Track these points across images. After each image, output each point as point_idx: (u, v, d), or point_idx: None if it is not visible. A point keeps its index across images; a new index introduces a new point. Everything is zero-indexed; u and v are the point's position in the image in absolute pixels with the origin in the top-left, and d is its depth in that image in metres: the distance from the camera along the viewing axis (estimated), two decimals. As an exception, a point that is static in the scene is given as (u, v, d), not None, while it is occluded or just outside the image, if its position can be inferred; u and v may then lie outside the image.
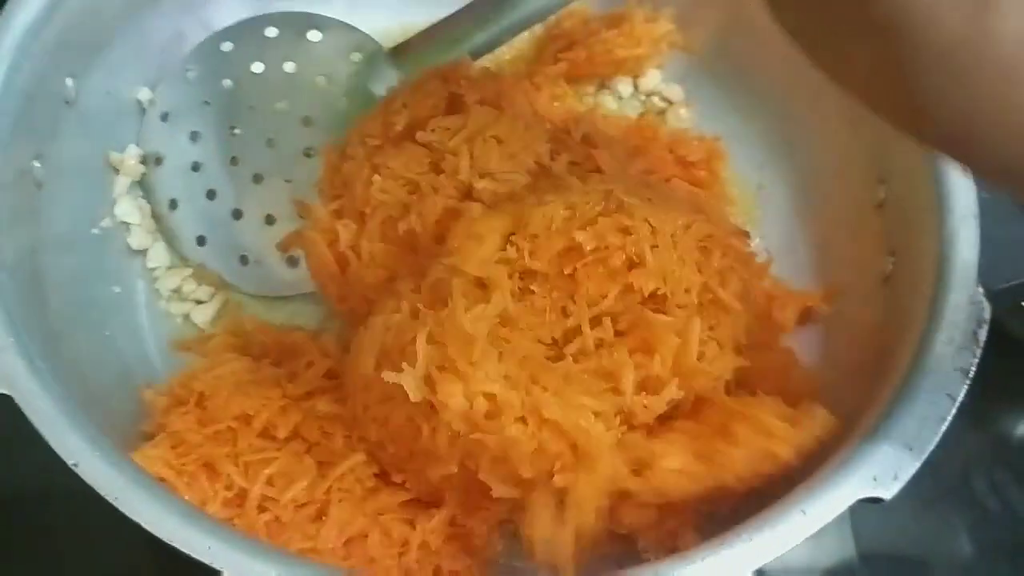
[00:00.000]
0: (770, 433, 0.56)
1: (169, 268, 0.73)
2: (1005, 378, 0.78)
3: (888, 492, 0.52)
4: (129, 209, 0.72)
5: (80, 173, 0.70)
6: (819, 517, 0.51)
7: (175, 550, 0.48)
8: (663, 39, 0.81)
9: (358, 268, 0.64)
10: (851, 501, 0.52)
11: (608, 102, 0.83)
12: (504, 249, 0.58)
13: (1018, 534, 0.76)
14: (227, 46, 0.76)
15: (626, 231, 0.58)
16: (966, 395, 0.56)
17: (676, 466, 0.56)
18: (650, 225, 0.58)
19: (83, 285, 0.67)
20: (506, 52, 0.82)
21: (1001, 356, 0.71)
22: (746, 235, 0.65)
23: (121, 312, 0.70)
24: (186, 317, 0.72)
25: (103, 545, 0.67)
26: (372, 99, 0.73)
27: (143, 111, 0.75)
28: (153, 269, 0.73)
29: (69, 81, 0.67)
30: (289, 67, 0.75)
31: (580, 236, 0.57)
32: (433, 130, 0.63)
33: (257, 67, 0.75)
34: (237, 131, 0.74)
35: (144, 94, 0.75)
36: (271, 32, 0.76)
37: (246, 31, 0.76)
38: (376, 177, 0.64)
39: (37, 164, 0.64)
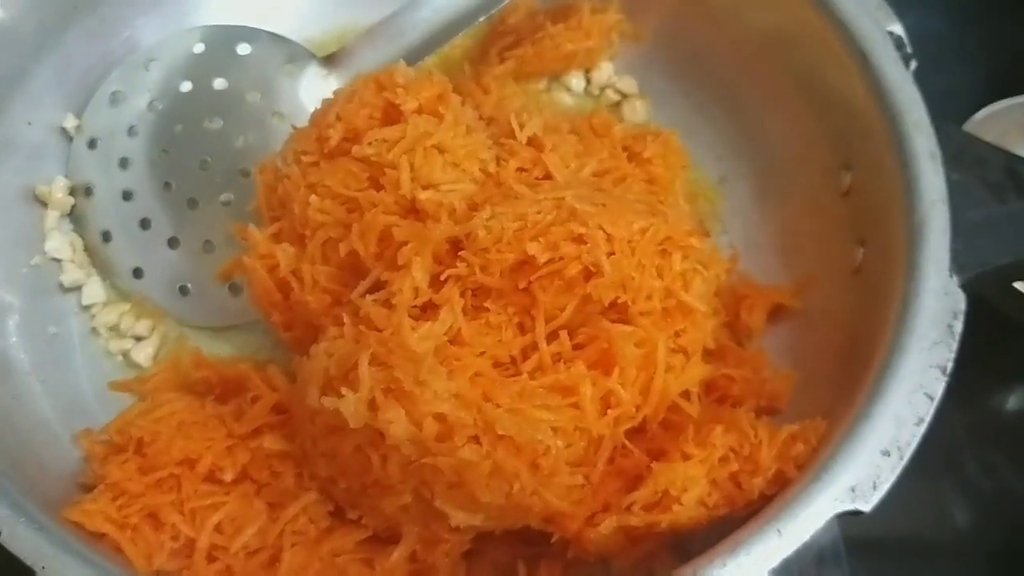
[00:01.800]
0: (786, 457, 0.54)
1: (106, 304, 0.69)
2: (994, 356, 0.76)
3: (867, 504, 0.50)
4: (60, 245, 0.68)
5: (6, 208, 0.67)
6: (795, 537, 0.49)
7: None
8: (612, 29, 0.78)
9: (301, 293, 0.61)
10: (828, 516, 0.49)
11: (561, 99, 0.80)
12: (454, 266, 0.56)
13: (1011, 513, 0.74)
14: (152, 66, 0.72)
15: (580, 240, 0.55)
16: (954, 374, 0.53)
17: (699, 497, 0.54)
18: (605, 232, 0.55)
19: (14, 327, 0.64)
20: (450, 52, 0.79)
21: (990, 335, 0.69)
22: (706, 234, 0.62)
23: (56, 354, 0.66)
24: (125, 355, 0.68)
25: None
26: (307, 113, 0.69)
27: (69, 139, 0.71)
28: (89, 306, 0.69)
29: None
30: (219, 84, 0.72)
31: (532, 248, 0.54)
32: (370, 143, 0.60)
33: (185, 86, 0.72)
34: (168, 154, 0.70)
35: (69, 121, 0.71)
36: (198, 48, 0.72)
37: (171, 48, 0.72)
38: (313, 197, 0.60)
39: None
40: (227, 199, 0.70)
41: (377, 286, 0.58)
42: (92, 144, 0.71)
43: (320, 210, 0.60)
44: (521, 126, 0.63)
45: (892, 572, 0.73)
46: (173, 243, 0.70)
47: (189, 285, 0.70)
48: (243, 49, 0.73)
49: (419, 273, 0.56)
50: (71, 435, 0.61)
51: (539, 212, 0.56)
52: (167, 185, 0.70)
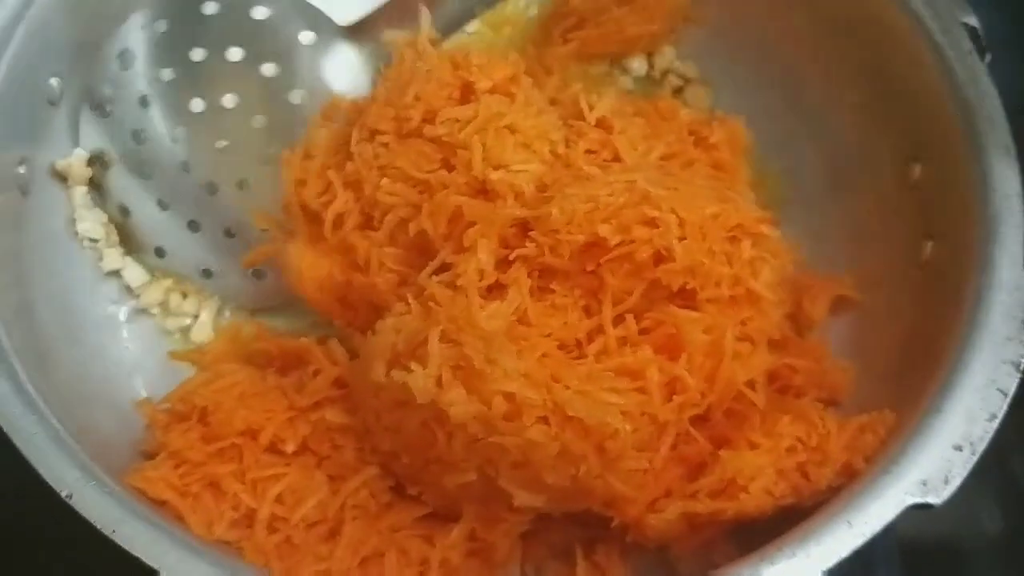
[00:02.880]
0: (854, 447, 0.54)
1: (149, 283, 0.68)
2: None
3: (939, 497, 0.49)
4: (92, 226, 0.66)
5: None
6: (866, 528, 0.48)
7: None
8: (677, 13, 0.77)
9: (368, 276, 0.60)
10: (900, 509, 0.49)
11: (622, 82, 0.79)
12: (522, 246, 0.55)
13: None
14: (161, 25, 0.67)
15: (653, 223, 0.54)
16: None
17: (766, 486, 0.54)
18: (678, 216, 0.54)
19: (72, 301, 0.64)
20: (513, 32, 0.78)
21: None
22: (775, 222, 0.61)
23: (114, 326, 0.66)
24: (184, 332, 0.68)
25: None
26: (329, 91, 0.67)
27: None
28: (133, 288, 0.68)
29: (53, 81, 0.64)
30: (234, 54, 0.67)
31: (603, 230, 0.54)
32: (443, 122, 0.60)
33: (197, 54, 0.67)
34: (186, 131, 0.67)
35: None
36: (210, 8, 0.67)
37: (181, 6, 0.68)
38: (385, 180, 0.60)
39: (22, 170, 0.60)
40: (246, 185, 0.67)
41: (444, 267, 0.58)
42: (104, 111, 0.67)
43: (390, 192, 0.60)
44: (591, 107, 0.63)
45: (939, 573, 0.72)
46: (193, 227, 0.68)
47: (212, 269, 0.68)
48: (259, 13, 0.68)
49: (484, 254, 0.56)
50: (132, 404, 0.61)
51: (610, 194, 0.55)
52: (184, 165, 0.67)
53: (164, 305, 0.68)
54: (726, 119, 0.71)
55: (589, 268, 0.55)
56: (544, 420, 0.51)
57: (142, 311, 0.68)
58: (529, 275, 0.56)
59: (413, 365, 0.52)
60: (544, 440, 0.51)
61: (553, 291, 0.56)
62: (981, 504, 0.73)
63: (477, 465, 0.54)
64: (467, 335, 0.52)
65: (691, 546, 0.57)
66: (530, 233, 0.56)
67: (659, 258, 0.55)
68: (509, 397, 0.51)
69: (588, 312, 0.56)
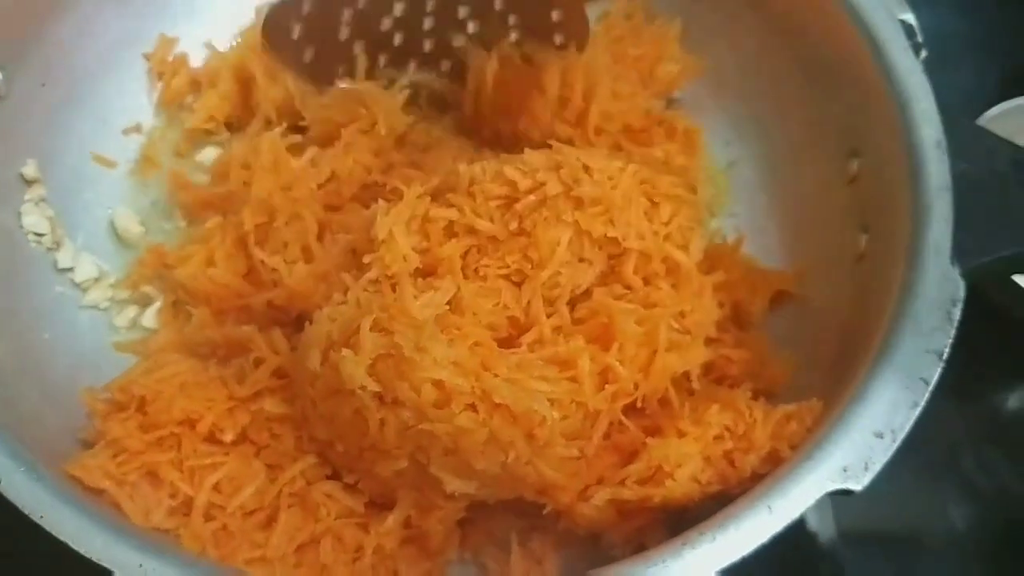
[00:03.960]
0: (780, 435, 0.55)
1: (98, 279, 0.69)
2: (994, 353, 0.76)
3: (858, 483, 0.50)
4: (37, 220, 0.67)
5: (12, 170, 0.67)
6: (785, 513, 0.49)
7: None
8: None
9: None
10: (819, 495, 0.49)
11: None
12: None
13: (1009, 511, 0.74)
14: None
15: (558, 166, 0.56)
16: (953, 370, 0.53)
17: (692, 473, 0.54)
18: (583, 164, 0.57)
19: (18, 288, 0.65)
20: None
21: (990, 330, 0.69)
22: (693, 189, 0.63)
23: (62, 314, 0.67)
24: (132, 321, 0.69)
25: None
26: None
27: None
28: (81, 284, 0.69)
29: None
30: None
31: (511, 172, 0.56)
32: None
33: None
34: None
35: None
36: None
37: None
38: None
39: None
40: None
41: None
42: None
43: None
44: None
45: (888, 569, 0.73)
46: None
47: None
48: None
49: (402, 238, 0.57)
50: (75, 393, 0.61)
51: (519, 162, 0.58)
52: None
53: (112, 299, 0.69)
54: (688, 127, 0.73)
55: (513, 227, 0.56)
56: (472, 407, 0.52)
57: (90, 305, 0.68)
58: (463, 256, 0.57)
59: (344, 350, 0.53)
60: (473, 427, 0.52)
61: (485, 269, 0.57)
62: (934, 501, 0.74)
63: (409, 452, 0.55)
64: (399, 323, 0.53)
65: (623, 533, 0.58)
66: (448, 195, 0.57)
67: (577, 203, 0.56)
68: (438, 384, 0.52)
69: (520, 288, 0.57)
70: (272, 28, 0.69)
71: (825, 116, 0.68)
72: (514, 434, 0.52)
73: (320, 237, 0.65)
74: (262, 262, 0.64)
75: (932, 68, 0.62)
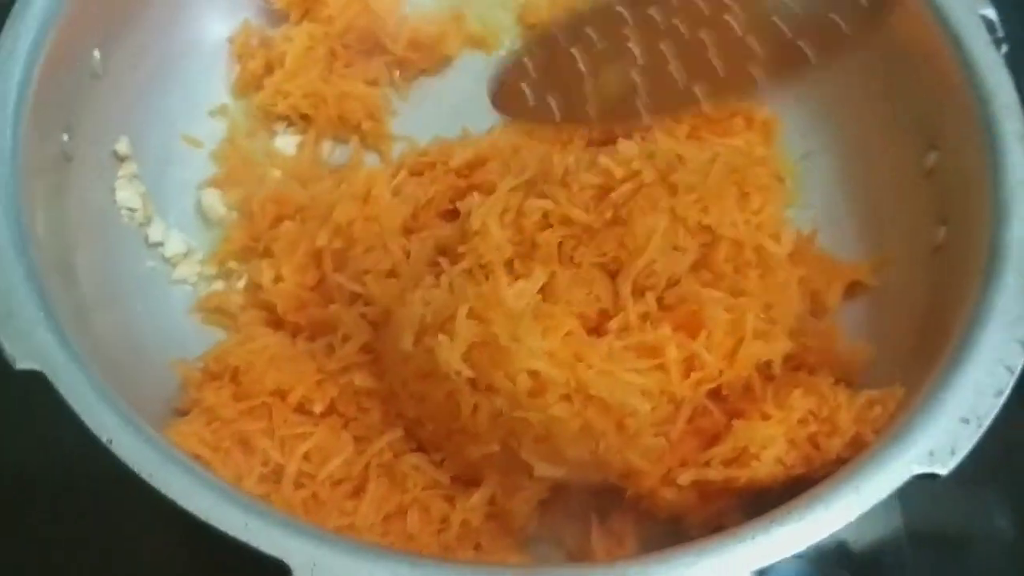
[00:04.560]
0: (864, 420, 0.55)
1: (185, 255, 0.71)
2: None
3: (945, 468, 0.50)
4: (129, 196, 0.69)
5: (106, 147, 0.69)
6: (872, 495, 0.49)
7: (208, 536, 0.47)
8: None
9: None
10: (906, 477, 0.50)
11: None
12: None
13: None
14: None
15: (651, 155, 0.58)
16: None
17: (777, 455, 0.55)
18: (677, 154, 0.58)
19: (114, 261, 0.66)
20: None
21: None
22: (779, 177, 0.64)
23: (154, 288, 0.69)
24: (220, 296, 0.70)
25: (133, 536, 0.66)
26: None
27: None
28: (170, 259, 0.71)
29: (96, 53, 0.66)
30: None
31: (606, 161, 0.57)
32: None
33: None
34: None
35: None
36: None
37: None
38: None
39: (65, 137, 0.63)
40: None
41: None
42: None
43: None
44: None
45: (944, 568, 0.73)
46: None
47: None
48: None
49: (496, 230, 0.58)
50: (167, 364, 0.63)
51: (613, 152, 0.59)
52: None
53: (200, 275, 0.71)
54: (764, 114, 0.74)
55: (608, 216, 0.57)
56: (567, 398, 0.53)
57: (180, 277, 0.70)
58: (560, 246, 0.58)
59: (441, 336, 0.54)
60: (567, 417, 0.53)
61: (581, 257, 0.58)
62: (989, 502, 0.74)
63: (500, 438, 0.56)
64: (495, 312, 0.54)
65: (702, 516, 0.59)
66: (543, 187, 0.58)
67: (672, 190, 0.57)
68: (534, 375, 0.53)
69: (615, 278, 0.58)
70: (502, 98, 0.65)
71: (903, 109, 0.69)
72: (606, 425, 0.53)
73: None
74: (340, 285, 0.65)
75: (1014, 63, 0.62)
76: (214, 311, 0.69)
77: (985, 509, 0.73)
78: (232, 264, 0.71)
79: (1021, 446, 0.75)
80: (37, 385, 0.51)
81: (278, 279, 0.66)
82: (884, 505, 0.67)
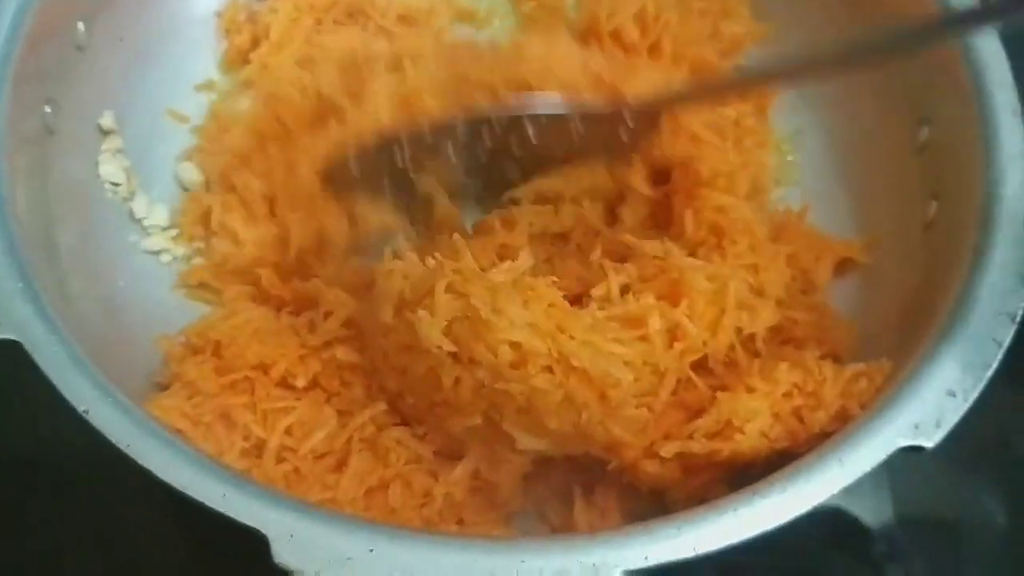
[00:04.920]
0: (849, 394, 0.55)
1: (167, 230, 0.70)
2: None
3: (930, 440, 0.50)
4: (113, 171, 0.68)
5: (90, 121, 0.68)
6: (857, 467, 0.49)
7: (195, 514, 0.47)
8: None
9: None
10: (891, 450, 0.49)
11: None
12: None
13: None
14: None
15: None
16: (1006, 354, 0.52)
17: (761, 429, 0.55)
18: None
19: (97, 235, 0.66)
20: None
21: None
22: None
23: (137, 263, 0.68)
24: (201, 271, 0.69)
25: (124, 512, 0.66)
26: None
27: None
28: (152, 233, 0.70)
29: (80, 25, 0.65)
30: None
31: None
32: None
33: None
34: None
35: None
36: None
37: None
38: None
39: (48, 109, 0.62)
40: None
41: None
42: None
43: None
44: None
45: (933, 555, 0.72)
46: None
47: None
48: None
49: None
50: (149, 338, 0.63)
51: None
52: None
53: (182, 250, 0.70)
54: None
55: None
56: (549, 369, 0.53)
57: (162, 251, 0.69)
58: None
59: (421, 312, 0.53)
60: (549, 388, 0.53)
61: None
62: (983, 487, 0.74)
63: (482, 410, 0.55)
64: (474, 286, 0.53)
65: (686, 491, 0.58)
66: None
67: None
68: (515, 346, 0.52)
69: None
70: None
71: (894, 84, 0.68)
72: (588, 396, 0.53)
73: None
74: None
75: (1007, 36, 0.62)
76: (197, 287, 0.68)
77: (977, 494, 0.73)
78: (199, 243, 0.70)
79: (1014, 430, 0.75)
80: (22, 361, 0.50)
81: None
82: (875, 490, 0.69)
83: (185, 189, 0.72)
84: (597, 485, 0.60)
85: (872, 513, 0.69)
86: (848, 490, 0.49)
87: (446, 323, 0.53)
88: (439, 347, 0.53)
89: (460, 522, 0.58)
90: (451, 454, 0.59)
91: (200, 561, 0.66)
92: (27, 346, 0.50)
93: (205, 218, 0.69)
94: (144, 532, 0.66)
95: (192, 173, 0.72)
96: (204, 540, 0.65)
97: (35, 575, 0.65)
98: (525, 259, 0.57)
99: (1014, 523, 0.71)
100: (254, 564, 0.45)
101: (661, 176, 0.67)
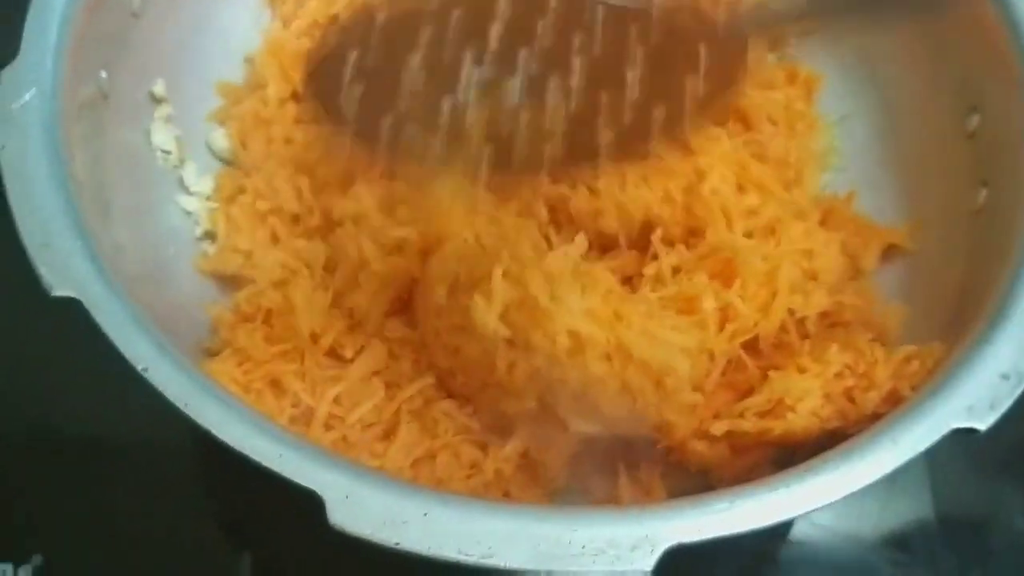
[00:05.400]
0: (901, 375, 0.54)
1: (208, 199, 0.70)
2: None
3: (983, 423, 0.50)
4: (165, 139, 0.69)
5: (143, 88, 0.69)
6: (909, 447, 0.49)
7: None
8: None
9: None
10: (944, 431, 0.49)
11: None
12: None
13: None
14: None
15: None
16: None
17: (812, 408, 0.55)
18: None
19: (149, 201, 0.66)
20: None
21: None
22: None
23: (187, 231, 0.68)
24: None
25: (160, 502, 0.66)
26: None
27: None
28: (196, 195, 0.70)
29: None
30: None
31: None
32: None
33: None
34: None
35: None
36: None
37: None
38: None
39: (104, 75, 0.62)
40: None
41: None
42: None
43: None
44: None
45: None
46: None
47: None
48: None
49: None
50: (198, 305, 0.63)
51: None
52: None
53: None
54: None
55: None
56: (607, 357, 0.53)
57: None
58: None
59: (477, 298, 0.53)
60: (606, 376, 0.53)
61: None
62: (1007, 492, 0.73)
63: (536, 394, 0.56)
64: (532, 273, 0.53)
65: (733, 471, 0.58)
66: None
67: None
68: (573, 335, 0.53)
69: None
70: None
71: (944, 71, 0.68)
72: (645, 383, 0.54)
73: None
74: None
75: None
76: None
77: (1012, 499, 0.73)
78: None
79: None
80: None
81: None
82: (915, 489, 0.69)
83: (219, 159, 0.72)
84: (642, 463, 0.60)
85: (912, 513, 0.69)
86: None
87: (502, 309, 0.53)
88: (495, 332, 0.53)
89: (506, 495, 0.58)
90: (499, 430, 0.60)
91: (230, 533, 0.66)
92: (86, 303, 0.50)
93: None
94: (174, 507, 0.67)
95: (223, 141, 0.72)
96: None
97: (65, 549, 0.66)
98: (580, 243, 0.57)
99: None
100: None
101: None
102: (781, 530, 0.63)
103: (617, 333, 0.53)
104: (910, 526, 0.69)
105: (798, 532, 0.66)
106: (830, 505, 0.47)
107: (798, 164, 0.66)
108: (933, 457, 0.65)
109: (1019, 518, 0.71)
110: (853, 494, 0.48)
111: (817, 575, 0.66)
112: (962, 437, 0.50)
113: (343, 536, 0.45)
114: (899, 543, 0.68)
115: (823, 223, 0.66)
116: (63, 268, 0.51)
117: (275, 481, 0.46)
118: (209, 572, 0.65)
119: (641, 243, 0.61)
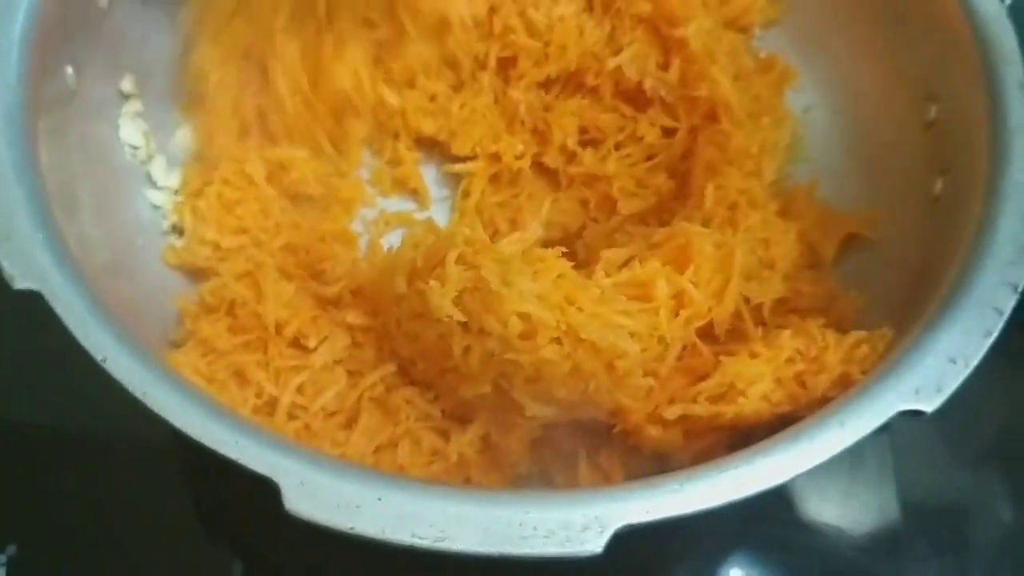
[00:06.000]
0: (851, 360, 0.55)
1: (176, 193, 0.71)
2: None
3: (930, 405, 0.50)
4: (132, 134, 0.70)
5: (111, 84, 0.69)
6: (857, 429, 0.50)
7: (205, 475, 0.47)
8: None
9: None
10: (891, 413, 0.50)
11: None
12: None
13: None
14: None
15: None
16: (1016, 345, 0.53)
17: (763, 392, 0.55)
18: None
19: (116, 195, 0.67)
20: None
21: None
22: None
23: (154, 224, 0.69)
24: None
25: (134, 492, 0.67)
26: None
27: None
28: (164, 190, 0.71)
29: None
30: None
31: None
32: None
33: None
34: None
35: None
36: None
37: None
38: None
39: (70, 70, 0.63)
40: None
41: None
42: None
43: None
44: None
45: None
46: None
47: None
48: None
49: None
50: (165, 297, 0.64)
51: None
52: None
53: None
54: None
55: None
56: (557, 340, 0.54)
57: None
58: None
59: (432, 282, 0.54)
60: (557, 359, 0.53)
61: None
62: (989, 478, 0.74)
63: (492, 378, 0.56)
64: (484, 258, 0.54)
65: (688, 455, 0.59)
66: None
67: None
68: (524, 318, 0.53)
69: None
70: None
71: (904, 62, 0.69)
72: (596, 366, 0.54)
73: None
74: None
75: (1016, 13, 0.62)
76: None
77: (983, 488, 0.73)
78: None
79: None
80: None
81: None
82: (879, 482, 0.69)
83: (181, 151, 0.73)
84: (602, 448, 0.61)
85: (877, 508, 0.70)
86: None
87: (456, 293, 0.54)
88: (449, 317, 0.54)
89: (467, 481, 0.59)
90: (460, 417, 0.60)
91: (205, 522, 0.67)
92: (47, 295, 0.51)
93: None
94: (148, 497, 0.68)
95: (187, 139, 0.73)
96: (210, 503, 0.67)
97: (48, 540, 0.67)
98: (534, 229, 0.58)
99: (1019, 516, 0.72)
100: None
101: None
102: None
103: (567, 316, 0.53)
104: (875, 515, 0.69)
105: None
106: (799, 495, 0.48)
107: (759, 155, 0.66)
108: (898, 444, 0.65)
109: (1002, 507, 0.72)
110: (818, 482, 0.49)
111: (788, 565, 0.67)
112: (918, 421, 0.51)
113: (300, 522, 0.46)
114: (867, 533, 0.69)
115: (784, 213, 0.67)
116: (25, 261, 0.52)
117: (234, 469, 0.47)
118: (184, 561, 0.66)
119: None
